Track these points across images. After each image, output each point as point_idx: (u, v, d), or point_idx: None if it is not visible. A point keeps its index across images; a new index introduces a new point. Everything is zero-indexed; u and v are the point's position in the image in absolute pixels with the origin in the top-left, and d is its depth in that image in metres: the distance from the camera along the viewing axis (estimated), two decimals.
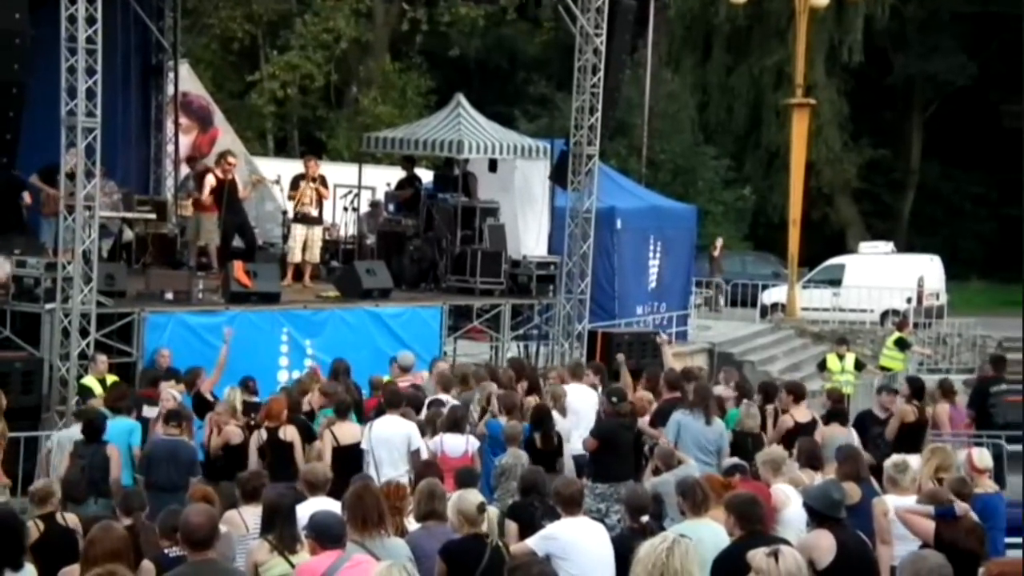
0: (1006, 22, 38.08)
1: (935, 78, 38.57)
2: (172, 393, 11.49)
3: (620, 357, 14.36)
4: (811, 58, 31.37)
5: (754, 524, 6.67)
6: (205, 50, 31.52)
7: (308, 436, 10.82)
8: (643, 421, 11.40)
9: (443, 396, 11.80)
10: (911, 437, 11.84)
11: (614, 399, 11.13)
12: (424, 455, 10.09)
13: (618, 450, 10.74)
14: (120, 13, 17.57)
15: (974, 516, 7.58)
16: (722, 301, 28.42)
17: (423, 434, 10.55)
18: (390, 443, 10.24)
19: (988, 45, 38.19)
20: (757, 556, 5.14)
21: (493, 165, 18.89)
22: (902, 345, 21.08)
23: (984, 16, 37.99)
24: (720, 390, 12.47)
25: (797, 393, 11.83)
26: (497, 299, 17.26)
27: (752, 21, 36.81)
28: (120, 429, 10.78)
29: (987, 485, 8.77)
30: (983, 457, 9.08)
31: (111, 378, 12.83)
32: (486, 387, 11.76)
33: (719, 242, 30.01)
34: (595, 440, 10.79)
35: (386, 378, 12.90)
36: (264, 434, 10.55)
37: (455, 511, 6.97)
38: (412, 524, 7.49)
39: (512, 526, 7.97)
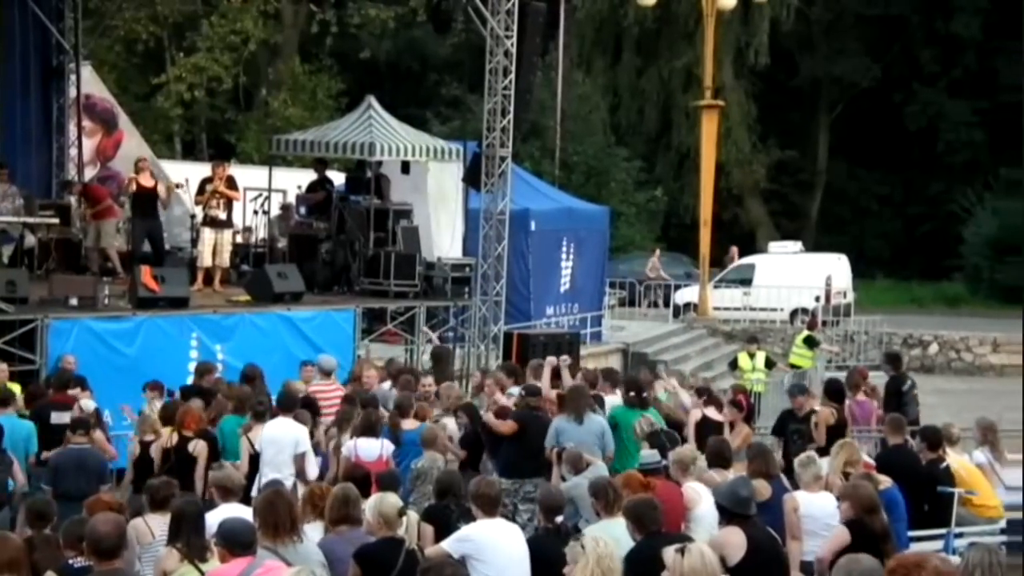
0: (907, 25, 39.02)
1: (840, 80, 39.33)
2: (80, 404, 11.27)
3: (495, 367, 14.22)
4: (719, 60, 31.80)
5: (650, 527, 6.74)
6: (109, 52, 30.85)
7: (216, 453, 10.58)
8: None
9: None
10: (832, 438, 12.09)
11: (523, 392, 11.17)
12: (310, 460, 10.09)
13: (529, 441, 10.59)
14: (18, 14, 17.19)
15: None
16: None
17: None
18: (277, 444, 10.15)
19: (890, 47, 39.04)
20: (668, 553, 5.19)
21: (406, 167, 18.81)
22: (811, 343, 21.50)
23: (886, 19, 38.82)
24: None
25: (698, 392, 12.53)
26: (411, 301, 17.19)
27: (660, 23, 37.17)
28: (19, 435, 10.46)
29: (884, 480, 8.97)
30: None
31: (13, 386, 12.49)
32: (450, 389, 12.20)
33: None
34: (514, 423, 10.65)
35: (298, 382, 12.74)
36: (175, 438, 10.36)
37: (375, 512, 6.91)
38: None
39: (428, 529, 7.92)
